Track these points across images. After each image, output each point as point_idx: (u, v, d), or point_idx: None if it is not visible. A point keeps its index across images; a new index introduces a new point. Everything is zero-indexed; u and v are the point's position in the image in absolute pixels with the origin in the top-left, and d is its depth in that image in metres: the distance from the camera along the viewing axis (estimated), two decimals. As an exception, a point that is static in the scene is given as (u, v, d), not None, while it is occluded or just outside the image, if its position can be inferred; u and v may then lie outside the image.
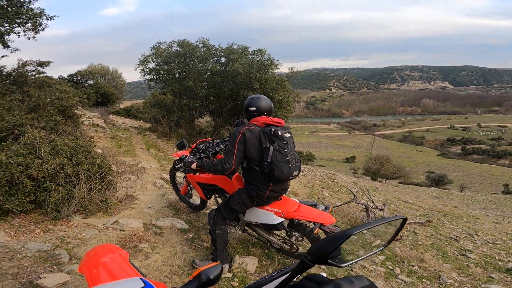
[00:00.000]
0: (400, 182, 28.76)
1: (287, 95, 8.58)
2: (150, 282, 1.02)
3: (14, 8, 3.97)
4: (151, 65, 9.68)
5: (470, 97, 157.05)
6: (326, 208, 2.78)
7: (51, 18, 4.60)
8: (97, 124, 8.55)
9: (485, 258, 4.91)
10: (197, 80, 9.23)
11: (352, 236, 0.78)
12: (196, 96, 9.53)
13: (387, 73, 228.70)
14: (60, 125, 4.67)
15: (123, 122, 12.52)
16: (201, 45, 9.59)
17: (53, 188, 2.98)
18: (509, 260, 5.01)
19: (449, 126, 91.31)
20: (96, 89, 14.33)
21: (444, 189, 27.40)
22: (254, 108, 2.52)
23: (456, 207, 13.01)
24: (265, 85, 8.34)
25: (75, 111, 6.20)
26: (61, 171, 3.07)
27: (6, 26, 3.93)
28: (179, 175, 4.29)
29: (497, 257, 5.10)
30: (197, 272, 0.89)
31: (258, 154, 2.43)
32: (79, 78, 14.72)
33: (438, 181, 33.17)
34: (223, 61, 9.82)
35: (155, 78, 9.92)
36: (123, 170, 5.26)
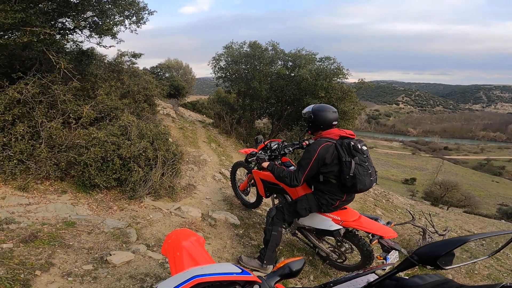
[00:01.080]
0: (464, 211, 25.58)
1: (352, 107, 8.23)
2: (243, 268, 1.08)
3: (126, 0, 4.42)
4: (222, 63, 10.23)
5: None
6: (388, 223, 2.65)
7: (152, 13, 4.98)
8: (169, 115, 9.39)
9: None
10: (262, 82, 9.45)
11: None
12: (259, 97, 9.76)
13: (471, 92, 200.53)
14: (144, 112, 5.27)
15: (189, 115, 13.46)
16: (270, 48, 9.79)
17: (135, 169, 3.35)
18: None
19: None
20: (171, 82, 15.74)
21: None
22: (328, 121, 2.51)
23: None
24: (330, 94, 8.14)
25: (155, 100, 6.90)
26: (143, 154, 3.43)
27: (116, 18, 4.43)
28: (238, 172, 4.48)
29: None
30: (282, 264, 0.96)
31: (337, 168, 2.41)
32: (158, 70, 16.34)
33: (510, 215, 28.65)
34: (289, 65, 9.88)
35: (224, 76, 10.44)
36: (187, 160, 5.67)
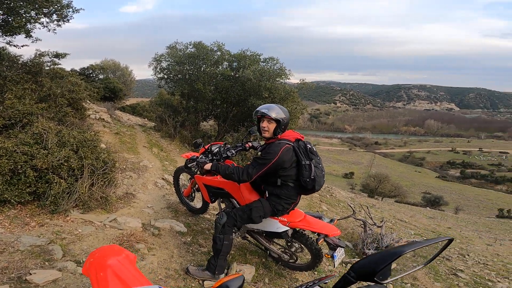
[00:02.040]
0: (396, 201, 28.99)
1: (295, 107, 8.57)
2: None
3: None
4: (164, 64, 9.73)
5: (475, 121, 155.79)
6: (331, 220, 2.75)
7: (77, 10, 4.62)
8: (103, 119, 8.56)
9: (475, 278, 4.96)
10: (207, 83, 9.26)
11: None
12: (204, 99, 9.54)
13: (394, 91, 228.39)
14: (68, 117, 4.67)
15: (128, 118, 12.57)
16: (215, 48, 9.65)
17: (55, 181, 2.94)
18: (498, 281, 5.08)
19: (450, 149, 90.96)
20: (106, 84, 14.46)
21: (439, 210, 27.65)
22: (287, 123, 2.50)
23: (449, 228, 13.17)
24: (274, 94, 8.35)
25: (83, 104, 6.22)
26: (65, 164, 3.03)
27: (32, 15, 3.93)
28: (182, 177, 4.27)
29: (487, 278, 5.17)
30: (219, 283, 0.89)
31: (294, 171, 2.40)
32: (90, 72, 14.89)
33: (433, 202, 33.60)
34: (234, 66, 9.87)
35: (166, 77, 9.96)
36: (124, 167, 5.24)
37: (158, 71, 9.82)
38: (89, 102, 8.74)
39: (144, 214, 3.68)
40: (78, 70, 14.38)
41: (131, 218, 3.40)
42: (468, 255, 6.91)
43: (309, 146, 2.42)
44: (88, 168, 3.18)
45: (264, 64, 9.33)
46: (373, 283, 0.81)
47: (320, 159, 2.49)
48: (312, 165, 2.35)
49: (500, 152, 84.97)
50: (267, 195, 2.57)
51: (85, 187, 3.17)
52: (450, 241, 0.96)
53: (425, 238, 5.58)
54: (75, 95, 5.49)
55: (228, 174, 2.44)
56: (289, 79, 8.99)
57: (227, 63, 9.92)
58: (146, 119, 14.36)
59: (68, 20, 4.58)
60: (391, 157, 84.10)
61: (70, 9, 4.54)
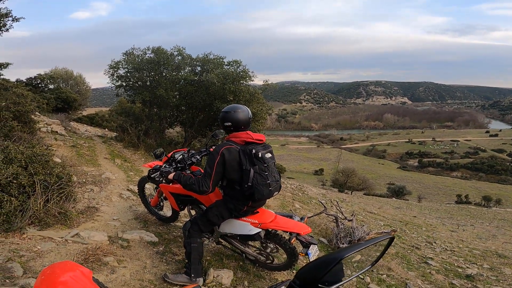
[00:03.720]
0: (364, 194, 30.25)
1: (260, 108, 8.67)
2: None
3: None
4: (121, 71, 9.30)
5: (426, 112, 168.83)
6: (302, 219, 2.80)
7: (17, 19, 4.42)
8: (56, 132, 7.97)
9: (445, 265, 5.17)
10: (170, 89, 9.03)
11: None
12: (168, 106, 9.29)
13: (354, 88, 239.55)
14: (15, 131, 4.30)
15: (85, 130, 11.84)
16: (176, 53, 9.44)
17: (5, 199, 2.72)
18: (467, 267, 5.32)
19: (407, 140, 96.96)
20: (57, 94, 13.47)
21: (403, 199, 29.23)
22: (230, 123, 2.42)
23: (415, 216, 13.80)
24: (239, 97, 8.38)
25: (32, 116, 5.75)
26: (15, 181, 2.81)
27: None
28: (148, 187, 4.11)
29: (456, 264, 5.40)
30: None
31: (238, 175, 2.35)
32: (38, 82, 13.79)
33: (398, 192, 35.50)
34: (197, 70, 9.74)
35: (124, 85, 9.53)
36: (84, 180, 4.95)
37: (115, 79, 9.39)
38: (38, 114, 8.08)
39: (110, 226, 3.51)
40: (25, 81, 13.27)
41: (96, 232, 3.23)
42: (435, 243, 7.17)
43: (254, 151, 2.30)
44: (41, 184, 2.96)
45: (228, 67, 9.32)
46: None
47: (268, 167, 2.36)
48: (252, 171, 2.28)
49: (451, 140, 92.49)
50: (223, 195, 2.60)
51: (39, 203, 2.97)
52: (392, 239, 0.97)
53: (384, 231, 5.79)
54: (21, 108, 5.06)
55: (189, 184, 2.37)
56: (252, 80, 9.09)
57: (189, 68, 9.76)
58: (106, 129, 13.62)
59: (7, 29, 4.39)
60: (356, 151, 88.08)
61: (10, 18, 4.30)
